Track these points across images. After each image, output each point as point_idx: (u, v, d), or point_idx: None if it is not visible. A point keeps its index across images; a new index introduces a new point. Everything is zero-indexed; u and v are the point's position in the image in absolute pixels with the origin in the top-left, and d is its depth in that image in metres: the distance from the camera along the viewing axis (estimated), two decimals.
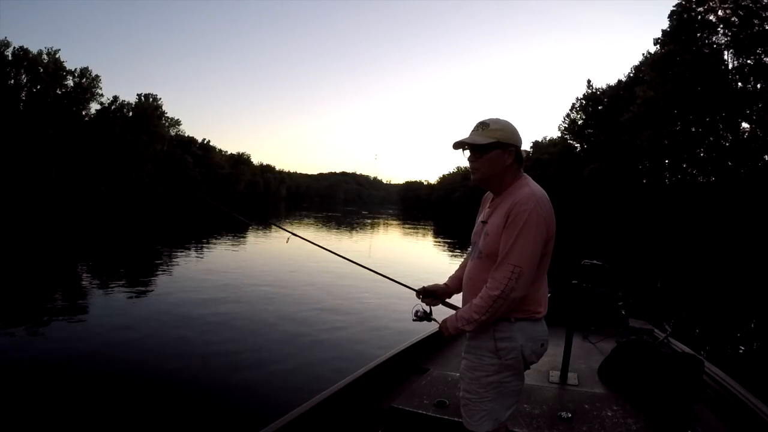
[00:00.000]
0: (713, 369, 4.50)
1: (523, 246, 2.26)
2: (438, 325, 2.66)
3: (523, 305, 2.35)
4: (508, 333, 2.39)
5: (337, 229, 43.43)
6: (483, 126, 2.46)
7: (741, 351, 9.96)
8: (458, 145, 2.53)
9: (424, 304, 2.82)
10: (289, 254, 21.12)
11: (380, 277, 3.29)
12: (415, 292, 2.87)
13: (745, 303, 16.16)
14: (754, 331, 12.26)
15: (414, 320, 2.78)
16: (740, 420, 3.79)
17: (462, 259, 2.92)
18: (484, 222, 2.54)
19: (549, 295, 2.56)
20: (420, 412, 3.54)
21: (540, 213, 2.31)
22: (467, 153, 2.54)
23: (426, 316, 2.77)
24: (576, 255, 7.08)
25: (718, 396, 4.18)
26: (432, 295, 2.82)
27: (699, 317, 12.95)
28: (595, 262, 5.44)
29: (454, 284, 2.83)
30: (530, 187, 2.41)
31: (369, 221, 62.14)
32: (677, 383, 3.78)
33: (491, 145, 2.42)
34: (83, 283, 13.04)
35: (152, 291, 12.05)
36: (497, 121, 2.48)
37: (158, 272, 14.99)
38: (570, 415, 3.52)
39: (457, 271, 2.87)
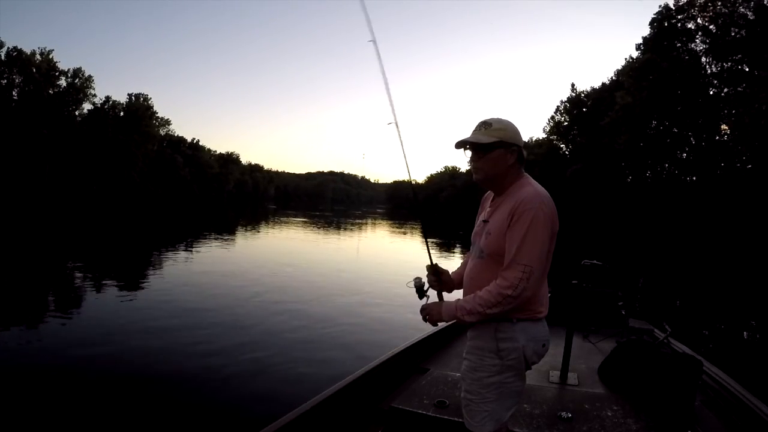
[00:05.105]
0: (713, 369, 4.52)
1: (532, 245, 2.25)
2: (424, 305, 2.61)
3: (525, 305, 2.33)
4: (509, 333, 2.37)
5: (327, 228, 43.38)
6: (485, 125, 2.46)
7: (741, 351, 10.00)
8: (460, 145, 2.52)
9: (424, 278, 2.77)
10: (286, 254, 21.14)
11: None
12: (428, 264, 2.81)
13: (745, 302, 16.24)
14: (754, 331, 12.30)
15: (407, 285, 2.74)
16: (740, 420, 3.79)
17: (451, 256, 2.88)
18: (485, 221, 2.53)
19: (549, 294, 2.54)
20: (420, 412, 3.53)
21: (545, 211, 2.30)
22: (469, 153, 2.53)
23: (421, 290, 2.72)
24: (576, 255, 7.08)
25: (718, 396, 4.19)
26: (437, 274, 2.77)
27: (699, 317, 12.99)
28: (595, 262, 5.45)
29: (457, 280, 2.78)
30: (533, 186, 2.40)
31: (359, 221, 62.16)
32: (677, 383, 3.78)
33: (494, 145, 2.41)
34: (78, 283, 12.96)
35: (148, 291, 11.98)
36: (500, 120, 2.47)
37: (153, 272, 14.94)
38: (570, 415, 3.52)
39: (459, 268, 2.84)
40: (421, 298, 2.73)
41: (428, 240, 2.98)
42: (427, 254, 2.89)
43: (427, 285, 2.75)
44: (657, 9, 49.06)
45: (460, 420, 2.58)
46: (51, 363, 6.67)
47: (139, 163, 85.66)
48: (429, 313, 2.55)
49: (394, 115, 3.11)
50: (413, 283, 2.75)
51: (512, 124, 2.48)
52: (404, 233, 41.15)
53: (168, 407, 5.55)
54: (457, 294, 2.68)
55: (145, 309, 10.00)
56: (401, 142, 3.15)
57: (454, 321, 2.52)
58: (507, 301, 2.25)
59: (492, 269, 2.38)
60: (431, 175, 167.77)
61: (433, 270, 2.78)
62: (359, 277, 15.98)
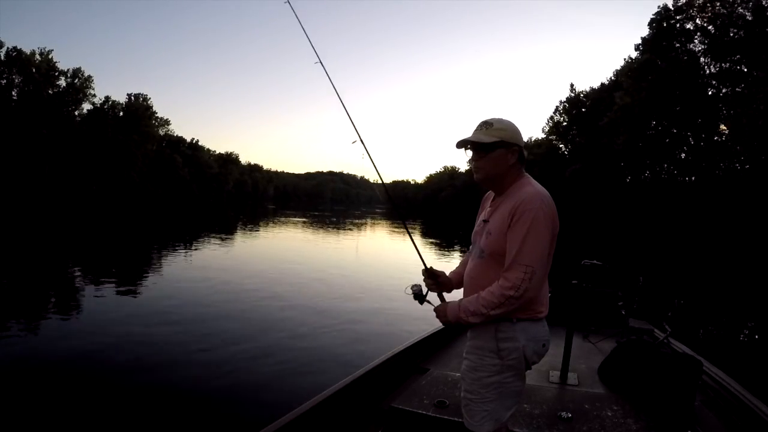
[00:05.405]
0: (713, 369, 4.52)
1: (534, 245, 2.25)
2: (433, 308, 2.63)
3: (526, 305, 2.33)
4: (510, 333, 2.37)
5: (326, 228, 43.35)
6: (486, 125, 2.46)
7: (741, 351, 9.99)
8: (461, 144, 2.53)
9: (422, 284, 2.78)
10: (286, 254, 21.10)
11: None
12: (423, 268, 2.83)
13: (745, 302, 16.24)
14: (754, 331, 12.30)
15: (406, 293, 2.75)
16: (740, 420, 3.79)
17: (449, 255, 2.88)
18: (485, 221, 2.53)
19: (549, 294, 2.54)
20: (420, 412, 3.53)
21: (546, 211, 2.30)
22: (470, 153, 2.54)
23: (420, 296, 2.73)
24: (576, 255, 7.08)
25: (718, 396, 4.19)
26: (434, 278, 2.77)
27: (699, 317, 12.98)
28: (595, 262, 5.44)
29: (456, 279, 2.79)
30: (533, 186, 2.40)
31: (358, 221, 62.16)
32: (677, 383, 3.77)
33: (495, 144, 2.42)
34: (77, 283, 12.96)
35: (147, 291, 11.99)
36: (500, 120, 2.48)
37: (153, 272, 14.94)
38: (570, 415, 3.52)
39: (458, 267, 2.85)
40: (421, 303, 2.74)
41: (419, 243, 3.00)
42: (420, 259, 2.88)
43: (425, 289, 2.75)
44: (656, 9, 49.36)
45: (460, 420, 2.58)
46: (50, 363, 6.66)
47: (138, 163, 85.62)
48: (438, 316, 2.57)
49: (358, 133, 3.18)
50: (411, 290, 2.75)
51: (513, 124, 2.49)
52: (403, 233, 41.09)
53: (168, 407, 5.55)
54: (457, 294, 2.68)
55: (143, 309, 10.01)
56: (370, 158, 3.23)
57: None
58: (510, 302, 2.26)
59: (492, 269, 2.39)
60: (430, 175, 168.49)
61: (429, 273, 2.78)
62: (359, 277, 15.99)
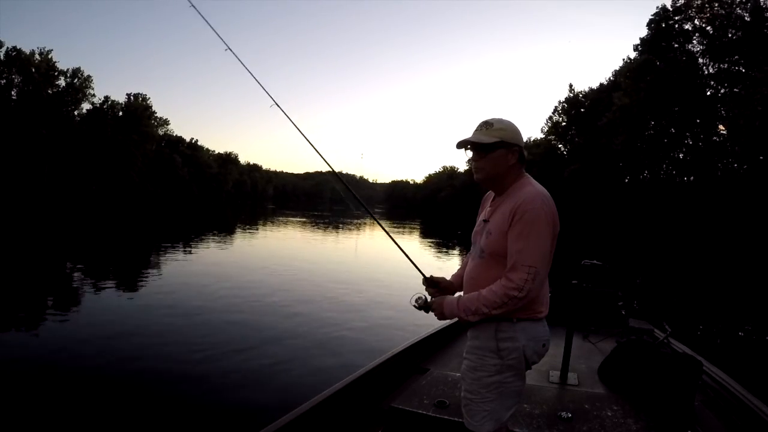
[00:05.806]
0: (713, 369, 4.52)
1: (536, 246, 2.25)
2: (432, 300, 2.62)
3: (527, 305, 2.33)
4: (510, 333, 2.36)
5: (326, 228, 43.30)
6: (486, 125, 2.46)
7: (741, 351, 9.99)
8: (462, 145, 2.53)
9: (426, 293, 2.76)
10: (285, 255, 21.07)
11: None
12: (422, 278, 2.82)
13: (745, 302, 16.23)
14: (754, 331, 12.28)
15: (413, 306, 2.72)
16: (740, 420, 3.79)
17: (448, 255, 2.87)
18: (485, 221, 2.53)
19: (549, 294, 2.54)
20: (420, 412, 3.52)
21: (547, 211, 2.31)
22: (470, 153, 2.54)
23: (425, 305, 2.71)
24: (576, 255, 7.08)
25: (718, 396, 4.19)
26: (435, 285, 2.77)
27: (699, 317, 12.97)
28: (595, 262, 5.44)
29: (457, 282, 2.79)
30: (534, 186, 2.40)
31: (358, 221, 62.05)
32: (677, 383, 3.77)
33: (495, 145, 2.42)
34: (77, 283, 12.93)
35: (148, 291, 11.95)
36: (500, 120, 2.48)
37: (153, 272, 14.90)
38: (570, 415, 3.51)
39: (459, 269, 2.85)
40: (427, 312, 2.72)
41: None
42: (417, 270, 2.86)
43: (429, 298, 2.73)
44: (655, 10, 49.54)
45: (460, 420, 2.58)
46: (51, 363, 6.66)
47: (138, 163, 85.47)
48: (434, 309, 2.57)
49: (331, 167, 3.25)
50: (416, 303, 2.73)
51: (513, 124, 2.49)
52: (403, 233, 41.11)
53: (167, 407, 5.55)
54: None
55: (143, 309, 10.00)
56: (349, 188, 3.38)
57: (455, 320, 2.55)
58: (513, 302, 2.26)
59: (492, 269, 2.39)
60: (429, 175, 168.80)
61: (430, 282, 2.78)
62: (358, 277, 15.99)
